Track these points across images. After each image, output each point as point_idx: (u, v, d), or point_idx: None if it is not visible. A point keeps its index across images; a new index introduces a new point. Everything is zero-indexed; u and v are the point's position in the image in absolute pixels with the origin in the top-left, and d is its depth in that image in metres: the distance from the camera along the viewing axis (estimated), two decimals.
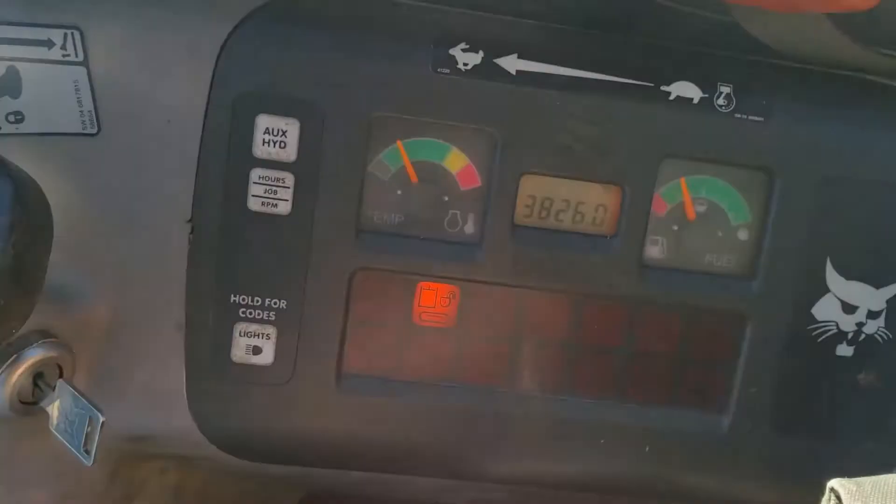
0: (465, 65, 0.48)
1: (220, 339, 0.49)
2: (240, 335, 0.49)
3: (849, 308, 0.53)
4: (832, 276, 0.52)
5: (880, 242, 0.52)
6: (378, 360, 0.51)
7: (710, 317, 0.52)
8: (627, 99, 0.49)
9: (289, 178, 0.48)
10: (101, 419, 0.41)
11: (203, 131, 0.47)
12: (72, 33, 0.46)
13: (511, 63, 0.48)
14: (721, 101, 0.50)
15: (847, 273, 0.52)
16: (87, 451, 0.42)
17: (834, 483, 0.34)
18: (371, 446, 0.52)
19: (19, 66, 0.46)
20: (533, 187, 0.50)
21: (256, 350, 0.49)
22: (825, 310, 0.52)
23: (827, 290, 0.52)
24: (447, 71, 0.48)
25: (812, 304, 0.52)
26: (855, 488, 0.33)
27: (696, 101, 0.50)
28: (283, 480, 0.61)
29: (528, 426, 0.52)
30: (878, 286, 0.53)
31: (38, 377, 0.45)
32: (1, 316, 0.33)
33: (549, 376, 0.52)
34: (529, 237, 0.50)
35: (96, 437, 0.42)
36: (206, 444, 0.50)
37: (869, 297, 0.53)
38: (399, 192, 0.50)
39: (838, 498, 0.34)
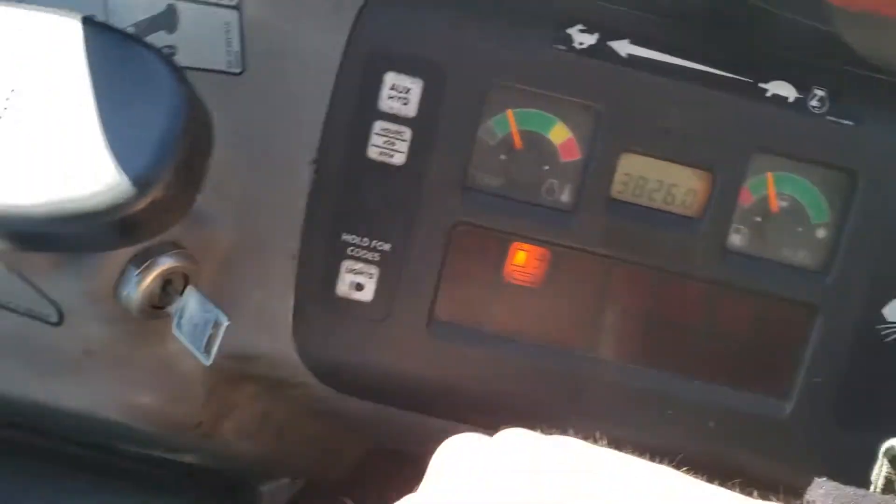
0: (581, 44, 0.52)
1: (328, 273, 0.53)
2: (346, 271, 0.53)
3: None
4: None
5: None
6: (467, 310, 0.55)
7: (783, 305, 0.55)
8: (726, 91, 0.52)
9: (407, 133, 0.52)
10: (226, 322, 0.46)
11: (336, 81, 0.51)
12: None
13: (623, 47, 0.52)
14: (815, 103, 0.53)
15: None
16: (208, 352, 0.46)
17: (892, 441, 0.36)
18: (452, 392, 0.55)
19: (178, 4, 0.51)
20: (630, 165, 0.53)
21: (359, 286, 0.53)
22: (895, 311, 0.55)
23: None
24: (563, 48, 0.51)
25: (883, 304, 0.55)
26: None
27: (790, 100, 0.53)
28: (357, 427, 0.64)
29: (601, 390, 0.55)
30: None
31: (166, 284, 0.49)
32: (169, 206, 0.38)
33: (625, 345, 0.55)
34: (623, 211, 0.53)
35: (218, 340, 0.46)
36: (302, 370, 0.54)
37: None
38: (503, 156, 0.54)
39: (892, 461, 0.36)
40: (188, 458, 0.62)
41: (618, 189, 0.54)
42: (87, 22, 0.39)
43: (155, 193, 0.36)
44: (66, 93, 0.37)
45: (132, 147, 0.36)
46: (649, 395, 0.55)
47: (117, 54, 0.38)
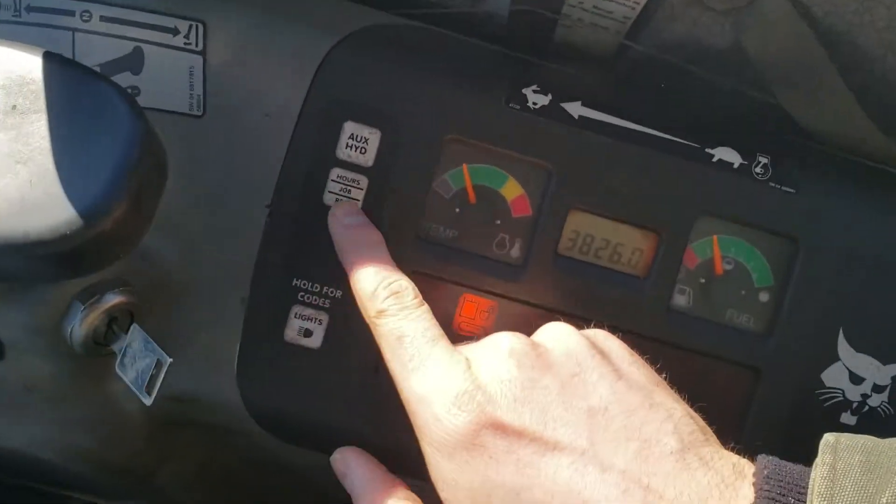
0: (535, 104, 0.54)
1: (277, 317, 0.53)
2: (295, 317, 0.53)
3: (856, 378, 0.56)
4: (843, 346, 0.56)
5: (891, 320, 0.56)
6: None
7: (727, 367, 0.56)
8: (674, 155, 0.54)
9: (363, 181, 0.53)
10: (168, 362, 0.45)
11: (295, 128, 0.52)
12: (196, 25, 0.52)
13: (575, 108, 0.54)
14: (759, 170, 0.55)
15: (857, 345, 0.56)
16: (149, 392, 0.46)
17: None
18: (392, 447, 0.55)
19: (144, 47, 0.52)
20: (578, 223, 0.55)
21: (308, 333, 0.53)
22: (834, 377, 0.56)
23: (837, 359, 0.56)
24: (518, 107, 0.53)
25: (822, 369, 0.56)
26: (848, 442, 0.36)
27: (735, 165, 0.55)
28: (302, 481, 0.63)
29: None
30: (885, 362, 0.56)
31: (112, 321, 0.49)
32: (116, 239, 0.38)
33: None
34: (569, 267, 0.55)
35: (160, 380, 0.46)
36: (245, 416, 0.54)
37: (875, 371, 0.56)
38: (457, 209, 0.55)
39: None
40: None
41: (565, 246, 0.55)
42: (49, 56, 0.39)
43: (102, 226, 0.36)
44: (25, 124, 0.37)
45: (84, 178, 0.36)
46: None
47: (77, 88, 0.39)
